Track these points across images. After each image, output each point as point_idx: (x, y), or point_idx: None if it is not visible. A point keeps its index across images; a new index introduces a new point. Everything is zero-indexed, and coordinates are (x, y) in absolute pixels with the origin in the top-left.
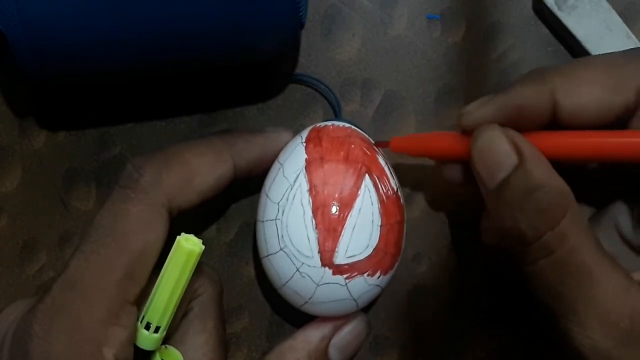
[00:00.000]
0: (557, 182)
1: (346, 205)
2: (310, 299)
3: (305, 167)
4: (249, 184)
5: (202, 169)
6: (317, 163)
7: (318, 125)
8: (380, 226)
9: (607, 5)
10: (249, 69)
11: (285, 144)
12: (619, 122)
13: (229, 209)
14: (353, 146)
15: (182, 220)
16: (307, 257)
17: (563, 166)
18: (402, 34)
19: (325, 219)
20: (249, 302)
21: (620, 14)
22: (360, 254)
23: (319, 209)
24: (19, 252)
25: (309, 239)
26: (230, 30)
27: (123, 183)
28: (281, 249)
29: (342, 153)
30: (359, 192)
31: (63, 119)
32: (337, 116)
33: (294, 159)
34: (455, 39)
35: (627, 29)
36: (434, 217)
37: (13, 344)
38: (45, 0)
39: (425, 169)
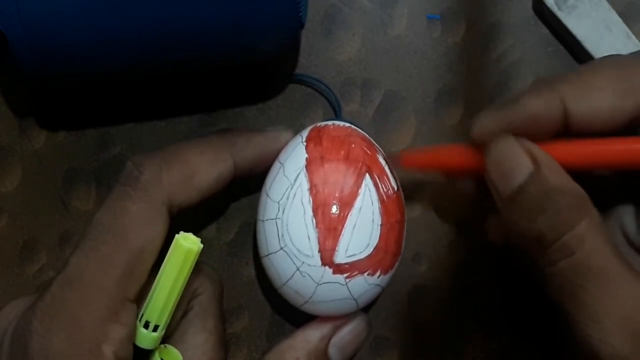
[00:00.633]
0: (574, 186)
1: (346, 204)
2: (310, 298)
3: (306, 166)
4: (249, 183)
5: (202, 167)
6: (317, 162)
7: (318, 124)
8: (381, 225)
9: (607, 5)
10: (249, 69)
11: (286, 143)
12: (632, 126)
13: (229, 208)
14: (353, 145)
15: (182, 220)
16: (308, 256)
17: (574, 172)
18: (402, 34)
19: (325, 218)
20: (249, 302)
21: (620, 14)
22: (360, 253)
23: (319, 208)
24: (19, 252)
25: (309, 238)
26: (230, 30)
27: (123, 181)
28: (281, 248)
29: (342, 152)
30: (359, 192)
31: (63, 119)
32: (337, 116)
33: (294, 158)
34: (455, 39)
35: (627, 29)
36: (434, 217)
37: (13, 341)
38: (45, 0)
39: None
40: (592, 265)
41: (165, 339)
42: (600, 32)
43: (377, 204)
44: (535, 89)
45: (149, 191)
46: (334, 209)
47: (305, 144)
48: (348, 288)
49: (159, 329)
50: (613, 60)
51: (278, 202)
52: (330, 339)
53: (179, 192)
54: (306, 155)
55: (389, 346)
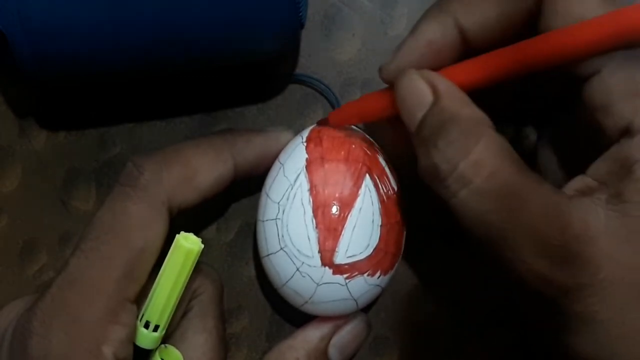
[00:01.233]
0: (470, 112)
1: (346, 205)
2: (310, 298)
3: (306, 167)
4: (249, 183)
5: (202, 167)
6: (317, 163)
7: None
8: (381, 226)
9: None
10: (249, 69)
11: (286, 143)
12: (530, 29)
13: (229, 208)
14: (354, 146)
15: (183, 220)
16: (307, 256)
17: (486, 91)
18: (402, 34)
19: (325, 218)
20: (249, 302)
21: None
22: (360, 253)
23: (319, 208)
24: (19, 252)
25: (309, 239)
26: (230, 30)
27: (123, 181)
28: (281, 249)
29: (342, 153)
30: (360, 192)
31: (63, 119)
32: None
33: (294, 159)
34: None
35: None
36: (434, 216)
37: (12, 341)
38: (45, 0)
39: None
40: (493, 188)
41: (166, 339)
42: None
43: (377, 205)
44: (427, 16)
45: (149, 191)
46: (334, 210)
47: (305, 144)
48: (348, 288)
49: (160, 329)
50: None
51: (278, 203)
52: (330, 339)
53: (179, 193)
54: (306, 156)
55: (389, 346)
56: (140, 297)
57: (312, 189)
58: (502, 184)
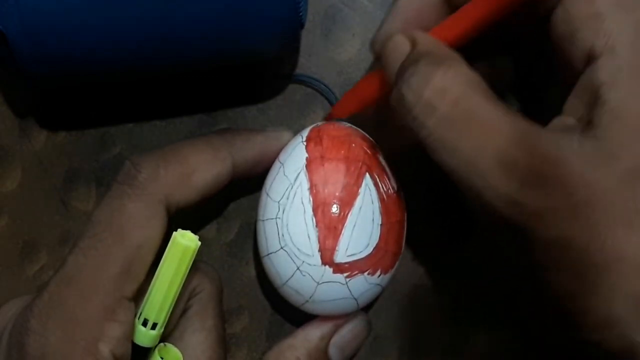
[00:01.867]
0: (441, 49)
1: (346, 203)
2: (310, 297)
3: (306, 166)
4: (249, 183)
5: (200, 166)
6: (317, 162)
7: (318, 124)
8: (381, 225)
9: None
10: (249, 69)
11: (285, 143)
12: None
13: (229, 208)
14: (354, 145)
15: (182, 220)
16: (308, 255)
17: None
18: None
19: (325, 217)
20: (249, 302)
21: None
22: (360, 252)
23: (319, 207)
24: (19, 252)
25: (309, 238)
26: (230, 30)
27: (121, 180)
28: (281, 248)
29: (342, 152)
30: (360, 191)
31: (63, 119)
32: None
33: (294, 158)
34: None
35: None
36: (434, 216)
37: (10, 339)
38: (45, 0)
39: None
40: (460, 114)
41: (165, 338)
42: None
43: (377, 204)
44: None
45: (146, 189)
46: (334, 209)
47: (305, 143)
48: (348, 287)
49: (158, 327)
50: None
51: (278, 202)
52: (330, 338)
53: (177, 191)
54: (306, 155)
55: (389, 346)
56: (139, 295)
57: (312, 188)
58: (468, 110)
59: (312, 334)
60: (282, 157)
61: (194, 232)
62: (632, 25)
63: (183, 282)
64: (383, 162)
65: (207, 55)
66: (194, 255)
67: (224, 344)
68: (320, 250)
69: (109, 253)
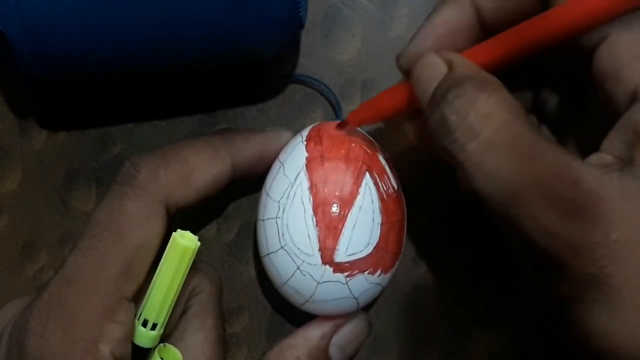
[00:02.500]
0: (484, 74)
1: (347, 203)
2: (310, 297)
3: (306, 166)
4: (249, 183)
5: (200, 166)
6: (317, 161)
7: (318, 124)
8: (381, 224)
9: None
10: (249, 69)
11: (285, 143)
12: (545, 5)
13: (229, 208)
14: (353, 144)
15: (182, 220)
16: (308, 255)
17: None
18: (402, 34)
19: (325, 217)
20: (249, 302)
21: None
22: (360, 252)
23: (319, 207)
24: (19, 252)
25: (309, 237)
26: (230, 30)
27: (121, 180)
28: (282, 247)
29: (342, 151)
30: (360, 191)
31: (63, 119)
32: (337, 116)
33: (294, 158)
34: None
35: None
36: (434, 215)
37: (10, 340)
38: (45, 0)
39: (425, 166)
40: (503, 141)
41: (165, 338)
42: None
43: (377, 203)
44: (443, 1)
45: (146, 189)
46: (334, 208)
47: (305, 143)
48: (348, 287)
49: (158, 327)
50: None
51: (278, 202)
52: (331, 338)
53: (177, 191)
54: (306, 155)
55: (389, 346)
56: (138, 296)
57: (312, 188)
58: (512, 137)
59: (312, 333)
60: (282, 156)
61: (194, 232)
62: None
63: (183, 282)
64: (383, 162)
65: (207, 55)
66: (194, 256)
67: (224, 344)
68: (320, 249)
69: (109, 253)
